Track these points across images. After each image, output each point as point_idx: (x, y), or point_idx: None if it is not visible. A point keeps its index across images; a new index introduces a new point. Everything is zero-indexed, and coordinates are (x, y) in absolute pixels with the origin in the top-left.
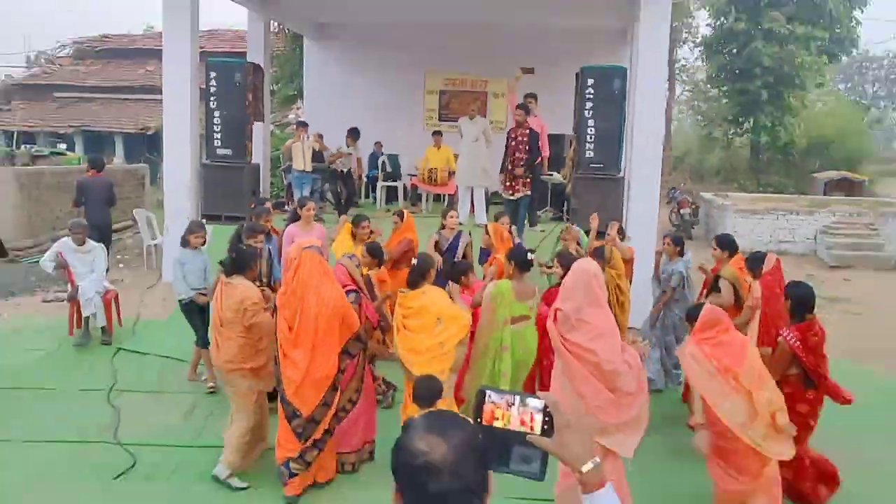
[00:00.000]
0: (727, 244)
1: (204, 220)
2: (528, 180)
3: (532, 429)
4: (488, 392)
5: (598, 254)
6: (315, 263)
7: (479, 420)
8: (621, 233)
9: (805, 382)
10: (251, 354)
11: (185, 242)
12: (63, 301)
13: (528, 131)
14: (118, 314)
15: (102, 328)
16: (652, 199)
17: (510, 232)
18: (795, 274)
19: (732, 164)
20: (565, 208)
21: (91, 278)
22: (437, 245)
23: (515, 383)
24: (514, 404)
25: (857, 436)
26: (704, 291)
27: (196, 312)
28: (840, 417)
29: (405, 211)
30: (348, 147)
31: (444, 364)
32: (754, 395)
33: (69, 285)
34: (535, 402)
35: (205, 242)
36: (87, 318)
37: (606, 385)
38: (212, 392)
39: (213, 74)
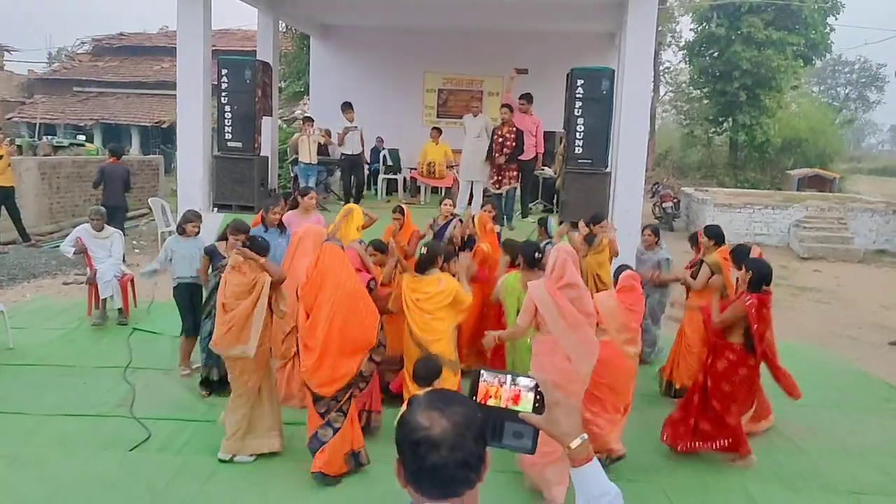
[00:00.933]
0: (715, 234)
1: (214, 209)
2: (515, 174)
3: (518, 405)
4: (483, 372)
5: (587, 240)
6: (335, 255)
7: (474, 398)
8: (657, 234)
9: (748, 349)
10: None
11: (181, 230)
12: (82, 284)
13: (514, 129)
14: (134, 296)
15: (119, 309)
16: (636, 193)
17: (494, 222)
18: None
19: (712, 160)
20: (555, 201)
21: (109, 262)
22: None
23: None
24: (505, 383)
25: (817, 412)
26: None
27: (187, 299)
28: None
29: (404, 206)
30: (350, 122)
31: (452, 345)
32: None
33: (88, 269)
34: (526, 381)
35: (199, 231)
36: (105, 299)
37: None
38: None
39: (224, 71)
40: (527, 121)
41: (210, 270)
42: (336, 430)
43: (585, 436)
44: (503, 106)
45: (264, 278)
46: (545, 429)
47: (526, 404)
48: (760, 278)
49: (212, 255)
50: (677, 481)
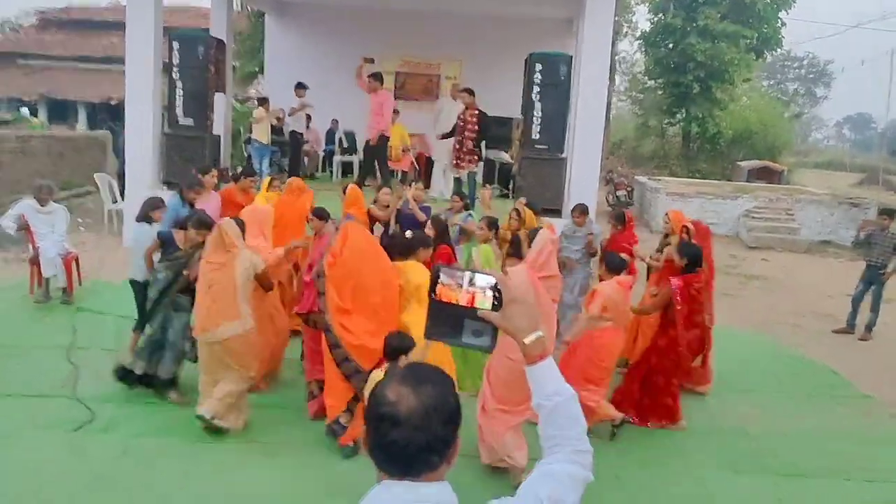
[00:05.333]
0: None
1: (165, 187)
2: (475, 157)
3: (476, 303)
4: (441, 271)
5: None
6: (363, 234)
7: (432, 295)
8: (586, 213)
9: (685, 325)
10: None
11: (147, 219)
12: (24, 261)
13: (475, 112)
14: (79, 275)
15: (63, 289)
16: (592, 180)
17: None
18: (720, 253)
19: (665, 151)
20: (511, 186)
21: (52, 239)
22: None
23: None
24: (462, 284)
25: (762, 397)
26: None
27: (143, 293)
28: (747, 380)
29: (351, 185)
30: (301, 99)
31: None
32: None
33: (30, 246)
34: (484, 280)
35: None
36: (48, 278)
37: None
38: None
39: (176, 45)
40: (372, 100)
41: (159, 261)
42: (353, 415)
43: (541, 332)
44: (464, 90)
45: (237, 254)
46: (501, 325)
47: (485, 302)
48: (693, 262)
49: (166, 242)
50: (625, 462)
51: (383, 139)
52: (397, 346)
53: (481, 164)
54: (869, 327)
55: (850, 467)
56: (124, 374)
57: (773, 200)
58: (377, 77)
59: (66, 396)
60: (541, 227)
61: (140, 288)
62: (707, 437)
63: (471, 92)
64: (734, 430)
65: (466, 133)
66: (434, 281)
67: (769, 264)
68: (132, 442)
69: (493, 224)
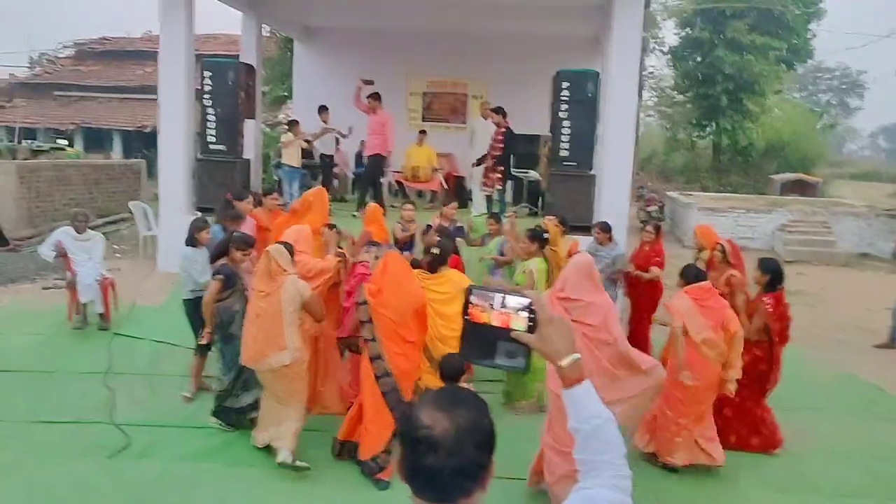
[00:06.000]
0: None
1: (198, 213)
2: (500, 176)
3: (511, 324)
4: (473, 292)
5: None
6: (400, 262)
7: (466, 317)
8: (564, 225)
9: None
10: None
11: (194, 241)
12: (62, 288)
13: (503, 129)
14: (115, 301)
15: (100, 314)
16: (622, 196)
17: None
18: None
19: (696, 164)
20: (540, 203)
21: (89, 265)
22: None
23: None
24: (494, 305)
25: (804, 415)
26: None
27: (197, 311)
28: (790, 397)
29: (371, 203)
30: (326, 123)
31: None
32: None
33: (68, 272)
34: (518, 301)
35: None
36: (85, 304)
37: (621, 364)
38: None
39: (208, 73)
40: (373, 120)
41: (226, 298)
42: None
43: (577, 355)
44: (493, 109)
45: (282, 282)
46: (537, 347)
47: (519, 323)
48: (776, 277)
49: (229, 278)
50: (666, 486)
51: (383, 159)
52: (459, 368)
53: (510, 182)
54: None
55: None
56: (225, 413)
57: (809, 213)
58: (377, 97)
59: (102, 422)
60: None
61: (193, 307)
62: (750, 457)
63: (497, 111)
64: (778, 449)
65: (491, 151)
66: (467, 302)
67: (806, 278)
68: (169, 467)
69: (536, 236)
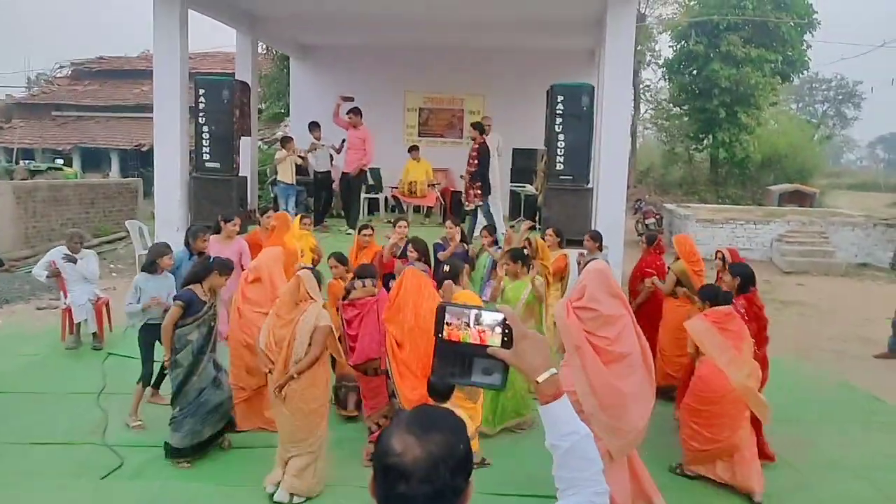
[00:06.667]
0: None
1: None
2: (478, 192)
3: (486, 341)
4: (447, 310)
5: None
6: (417, 280)
7: (440, 335)
8: (598, 240)
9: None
10: None
11: (153, 267)
12: (56, 309)
13: (478, 145)
14: (109, 321)
15: (93, 334)
16: (618, 209)
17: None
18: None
19: (693, 177)
20: (537, 218)
21: (83, 286)
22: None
23: None
24: (469, 322)
25: (805, 427)
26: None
27: (152, 342)
28: (790, 408)
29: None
30: (316, 139)
31: None
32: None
33: (62, 293)
34: (493, 317)
35: (172, 264)
36: (79, 324)
37: (626, 374)
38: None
39: (202, 91)
40: (354, 136)
41: (184, 325)
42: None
43: (554, 370)
44: (472, 125)
45: (305, 308)
46: (514, 363)
47: (494, 339)
48: (746, 280)
49: (189, 304)
50: (667, 498)
51: (363, 174)
52: (449, 385)
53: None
54: None
55: None
56: (187, 450)
57: (807, 224)
58: (358, 112)
59: (95, 443)
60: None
61: (147, 335)
62: None
63: (476, 126)
64: (778, 462)
65: (468, 168)
66: (440, 320)
67: (805, 289)
68: (161, 488)
69: (517, 256)
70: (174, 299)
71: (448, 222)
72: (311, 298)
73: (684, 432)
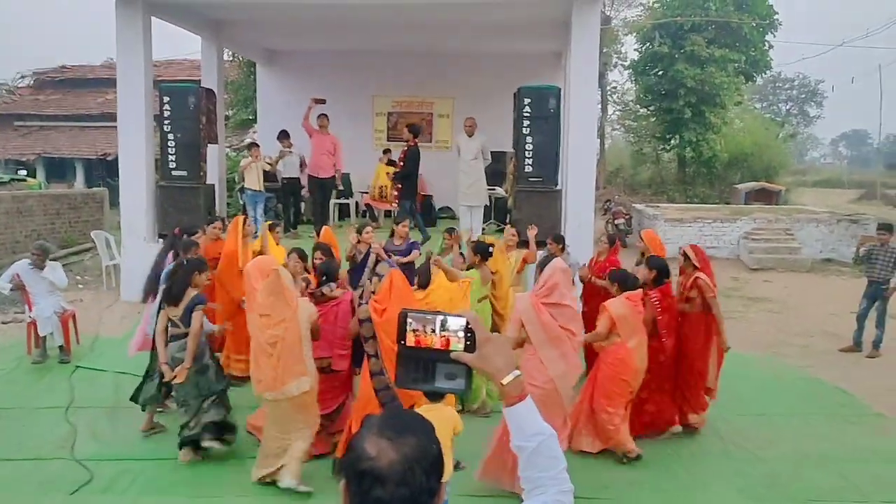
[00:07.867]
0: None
1: (160, 240)
2: (396, 193)
3: (449, 347)
4: (410, 317)
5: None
6: (403, 280)
7: (402, 342)
8: (561, 242)
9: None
10: None
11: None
12: (21, 322)
13: (407, 149)
14: (76, 333)
15: (60, 347)
16: (587, 210)
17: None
18: (721, 276)
19: (662, 177)
20: (507, 220)
21: (49, 299)
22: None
23: None
24: (435, 329)
25: (773, 420)
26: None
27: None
28: (758, 402)
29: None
30: (286, 147)
31: None
32: None
33: (26, 306)
34: (456, 322)
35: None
36: (45, 337)
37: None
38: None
39: (167, 99)
40: (326, 140)
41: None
42: None
43: (518, 372)
44: (407, 126)
45: (296, 306)
46: (478, 366)
47: (457, 344)
48: (662, 273)
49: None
50: (639, 496)
51: (333, 178)
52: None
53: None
54: (876, 344)
55: (868, 489)
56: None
57: (772, 221)
58: (326, 118)
59: (64, 458)
60: (555, 256)
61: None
62: (721, 464)
63: (411, 129)
64: (747, 456)
65: (394, 170)
66: (402, 328)
67: (772, 285)
68: (132, 502)
69: (480, 249)
70: (196, 304)
71: (401, 224)
72: (295, 297)
73: (601, 417)
